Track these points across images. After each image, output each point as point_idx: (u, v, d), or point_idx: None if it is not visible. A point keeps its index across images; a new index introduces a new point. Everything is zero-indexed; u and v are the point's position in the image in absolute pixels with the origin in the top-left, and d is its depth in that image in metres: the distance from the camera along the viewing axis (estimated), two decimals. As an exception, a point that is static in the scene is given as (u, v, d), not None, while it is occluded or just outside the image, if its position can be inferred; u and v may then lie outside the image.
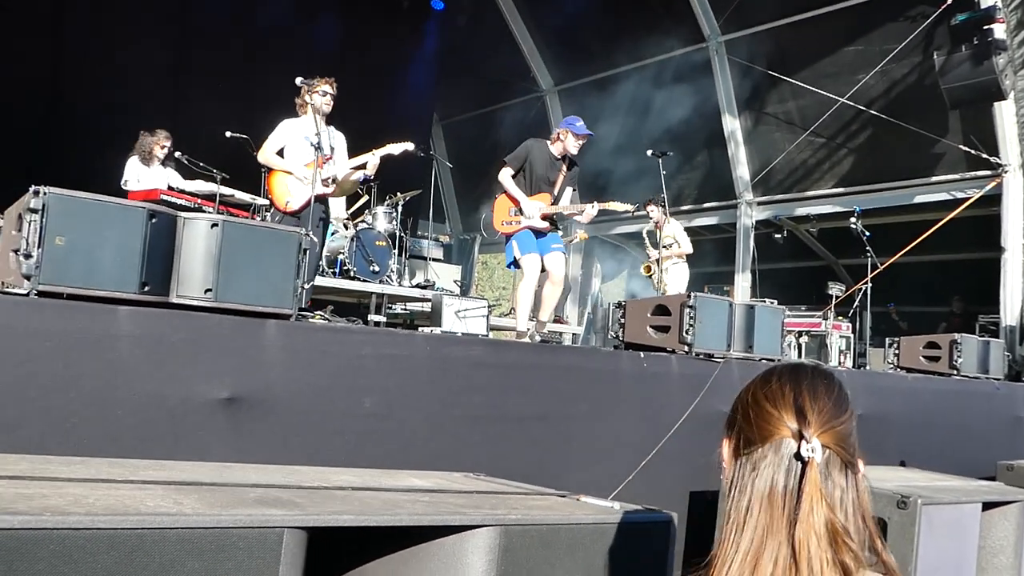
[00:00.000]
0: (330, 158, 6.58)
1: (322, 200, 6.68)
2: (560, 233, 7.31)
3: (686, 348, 5.81)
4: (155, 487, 2.47)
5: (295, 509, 2.35)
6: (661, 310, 6.03)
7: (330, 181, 6.57)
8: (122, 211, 3.71)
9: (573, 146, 7.00)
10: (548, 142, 7.14)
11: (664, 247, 9.98)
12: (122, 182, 8.64)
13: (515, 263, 7.05)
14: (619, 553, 2.87)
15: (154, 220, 3.76)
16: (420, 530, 2.52)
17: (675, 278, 9.96)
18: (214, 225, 3.91)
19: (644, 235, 10.73)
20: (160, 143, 8.78)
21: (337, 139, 6.82)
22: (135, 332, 3.66)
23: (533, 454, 4.77)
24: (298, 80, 6.83)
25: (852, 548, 1.44)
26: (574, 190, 7.32)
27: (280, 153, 6.63)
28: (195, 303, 3.91)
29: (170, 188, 8.55)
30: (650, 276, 10.44)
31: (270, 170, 6.69)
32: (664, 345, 5.96)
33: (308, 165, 6.54)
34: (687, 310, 5.77)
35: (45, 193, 3.51)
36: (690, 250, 10.29)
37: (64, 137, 11.06)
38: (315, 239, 4.25)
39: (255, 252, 4.04)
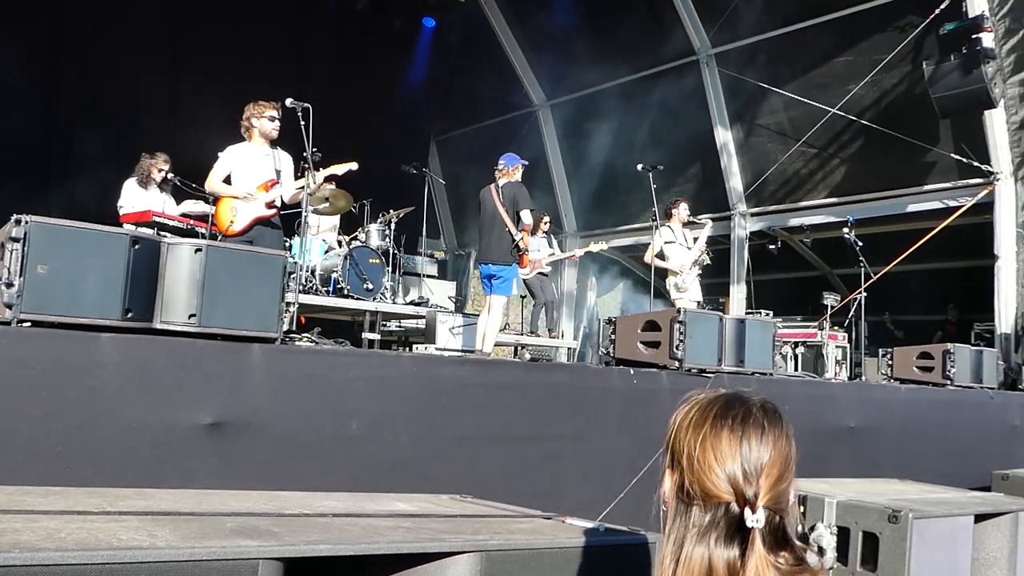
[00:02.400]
0: (276, 182, 6.69)
1: (268, 223, 6.75)
2: None
3: (677, 363, 5.80)
4: (130, 518, 2.46)
5: (271, 539, 2.34)
6: (651, 326, 6.02)
7: (273, 204, 6.71)
8: (105, 238, 3.71)
9: None
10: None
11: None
12: (118, 204, 8.64)
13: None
14: (602, 575, 2.87)
15: (137, 246, 3.76)
16: (401, 557, 2.51)
17: (696, 290, 9.61)
18: (198, 250, 3.90)
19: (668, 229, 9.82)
20: (158, 166, 8.76)
21: (284, 161, 6.89)
22: (118, 359, 3.65)
23: (523, 474, 4.75)
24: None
25: None
26: None
27: (228, 180, 6.70)
28: (179, 328, 3.90)
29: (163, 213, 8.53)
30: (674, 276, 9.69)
31: (218, 197, 6.77)
32: (655, 361, 5.94)
33: (257, 188, 6.65)
34: (677, 325, 5.76)
35: (27, 222, 3.51)
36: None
37: (61, 162, 11.11)
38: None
39: (239, 276, 4.03)
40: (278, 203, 6.78)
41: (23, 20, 10.97)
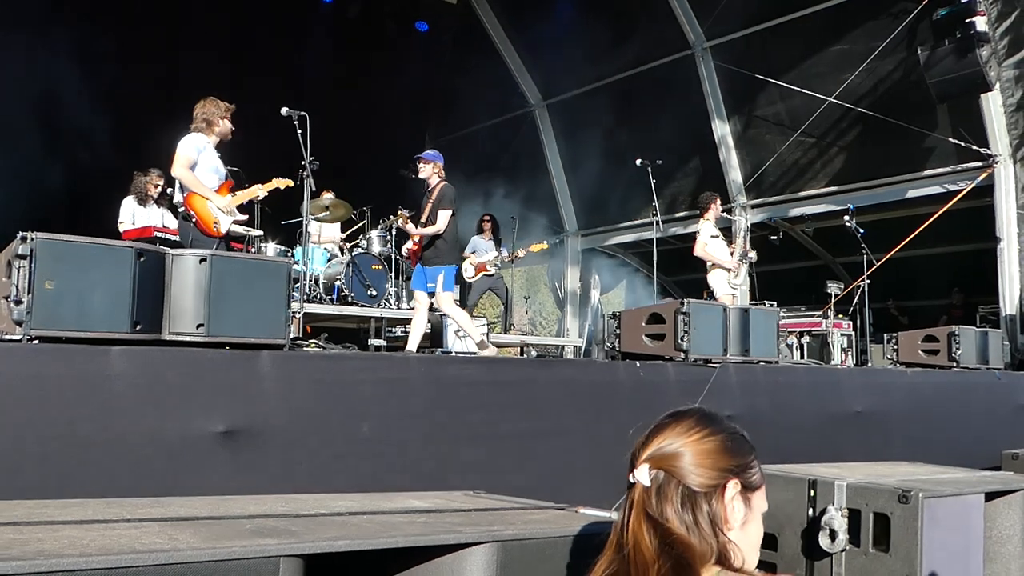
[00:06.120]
0: (232, 184, 6.53)
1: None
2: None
3: (682, 355, 5.83)
4: (151, 524, 2.49)
5: (290, 538, 2.37)
6: (655, 318, 6.05)
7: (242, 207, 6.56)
8: (110, 252, 3.74)
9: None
10: None
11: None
12: (118, 223, 8.67)
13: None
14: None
15: (142, 259, 3.79)
16: (417, 551, 2.54)
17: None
18: (202, 260, 3.94)
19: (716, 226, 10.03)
20: (154, 182, 8.80)
21: None
22: (129, 371, 3.68)
23: (534, 469, 4.78)
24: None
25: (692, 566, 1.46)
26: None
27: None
28: (188, 339, 3.93)
29: (164, 227, 8.57)
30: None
31: (186, 188, 6.33)
32: (660, 353, 5.97)
33: (218, 191, 6.36)
34: (681, 317, 5.79)
35: (32, 238, 3.54)
36: None
37: (58, 180, 11.12)
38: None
39: (245, 284, 4.07)
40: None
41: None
